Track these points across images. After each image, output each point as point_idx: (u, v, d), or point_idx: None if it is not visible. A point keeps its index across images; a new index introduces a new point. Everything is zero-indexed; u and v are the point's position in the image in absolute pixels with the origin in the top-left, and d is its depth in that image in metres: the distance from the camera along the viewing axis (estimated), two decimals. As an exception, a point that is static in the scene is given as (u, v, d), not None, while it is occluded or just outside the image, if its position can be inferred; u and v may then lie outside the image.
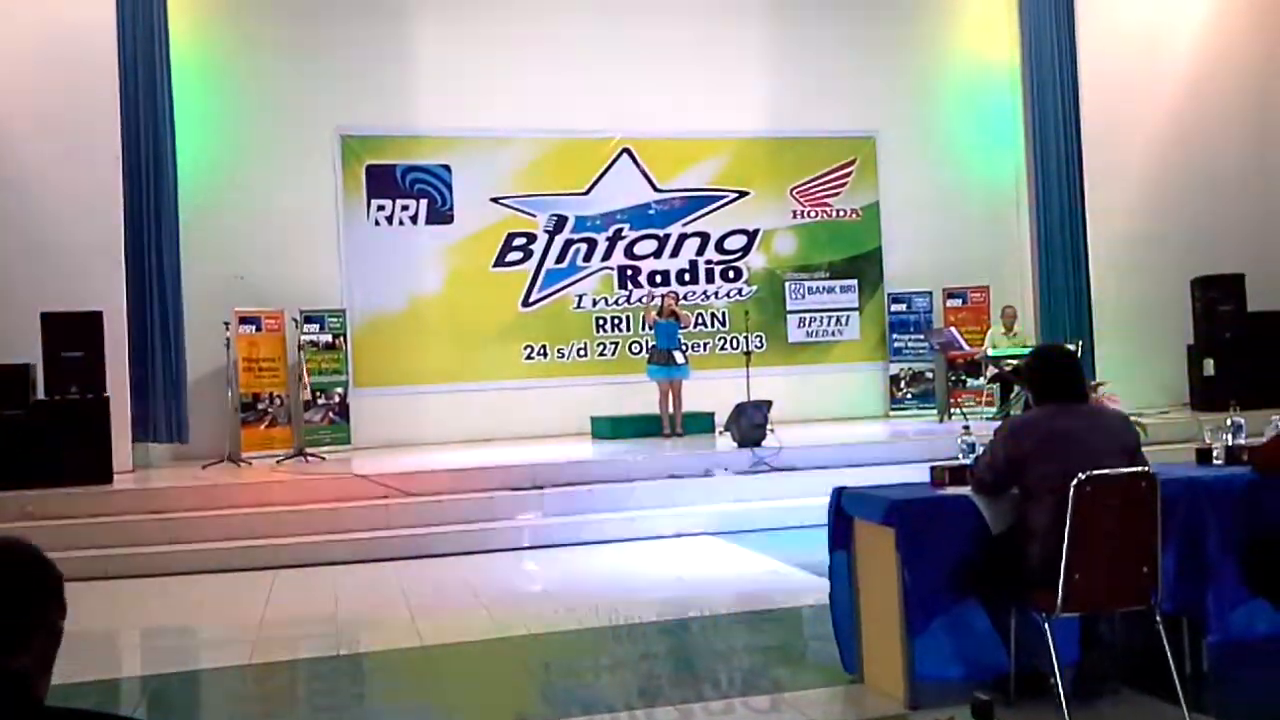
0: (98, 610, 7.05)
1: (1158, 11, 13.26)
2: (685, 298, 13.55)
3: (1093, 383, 11.51)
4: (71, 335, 9.91)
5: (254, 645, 6.09)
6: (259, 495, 9.37)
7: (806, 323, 14.36)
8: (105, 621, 6.90)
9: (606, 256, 13.85)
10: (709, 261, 14.15)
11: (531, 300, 13.63)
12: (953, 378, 13.42)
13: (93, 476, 9.52)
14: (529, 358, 13.53)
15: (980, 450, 4.47)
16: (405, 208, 13.27)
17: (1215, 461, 4.88)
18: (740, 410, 10.77)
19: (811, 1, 14.20)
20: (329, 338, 12.54)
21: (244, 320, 11.98)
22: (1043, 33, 13.69)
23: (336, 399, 12.55)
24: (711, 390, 12.49)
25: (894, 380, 14.29)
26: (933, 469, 4.74)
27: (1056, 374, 4.29)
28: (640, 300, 13.59)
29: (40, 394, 9.89)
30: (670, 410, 12.14)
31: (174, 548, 8.52)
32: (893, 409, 14.19)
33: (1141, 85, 13.17)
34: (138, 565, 8.22)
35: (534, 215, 13.65)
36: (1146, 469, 4.04)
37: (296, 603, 7.21)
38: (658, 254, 14.00)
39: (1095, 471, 3.87)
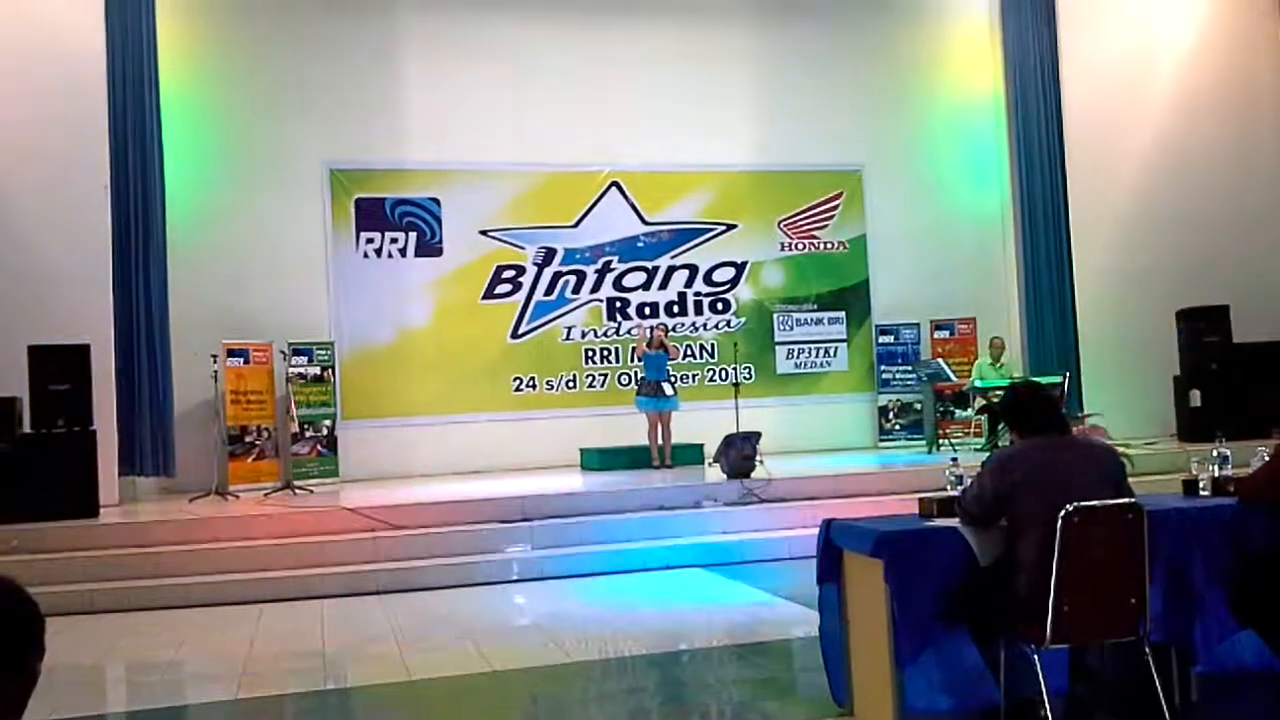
0: (83, 645, 7.00)
1: (1140, 47, 13.43)
2: (674, 329, 13.58)
3: (1080, 414, 11.58)
4: (58, 368, 9.87)
5: (240, 680, 6.04)
6: (246, 529, 9.32)
7: (795, 354, 14.40)
8: (90, 656, 6.85)
9: (595, 289, 13.89)
10: (697, 293, 14.21)
11: (521, 332, 13.65)
12: (941, 409, 13.45)
13: (79, 510, 9.46)
14: (518, 390, 13.53)
15: (968, 482, 4.48)
16: (394, 240, 13.30)
17: (1202, 493, 4.89)
18: (729, 442, 10.77)
19: (798, 36, 14.35)
20: (317, 370, 12.52)
21: (232, 353, 11.96)
22: (1026, 68, 13.84)
23: (324, 431, 12.51)
24: (701, 422, 12.51)
25: (882, 411, 14.33)
26: (921, 501, 4.75)
27: (1032, 409, 4.31)
28: (630, 332, 13.64)
29: (26, 427, 9.84)
30: (659, 442, 12.14)
31: (160, 582, 8.46)
32: (881, 440, 14.21)
33: (1125, 118, 13.31)
34: (124, 599, 8.16)
35: (523, 248, 13.69)
36: (1133, 500, 4.06)
37: (283, 637, 7.16)
38: (646, 286, 14.05)
39: (1082, 503, 3.89)
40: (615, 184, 13.97)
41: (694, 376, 13.88)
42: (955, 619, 4.30)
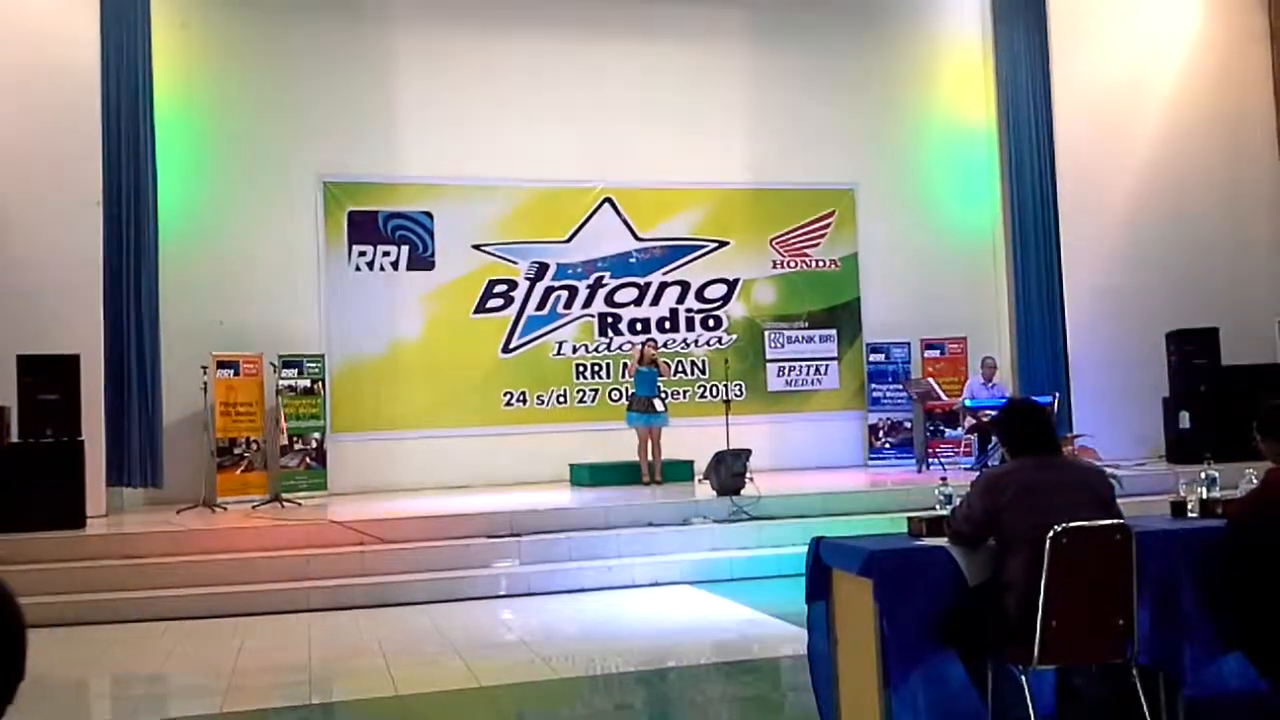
0: (68, 657, 6.97)
1: (1131, 69, 13.51)
2: (665, 346, 13.58)
3: (1068, 434, 11.60)
4: (48, 378, 9.86)
5: (225, 694, 6.01)
6: (233, 541, 9.27)
7: (785, 372, 14.42)
8: (75, 669, 6.81)
9: (587, 304, 13.89)
10: (689, 310, 14.21)
11: (512, 347, 13.64)
12: (931, 428, 13.47)
13: (66, 520, 9.44)
14: (508, 404, 13.52)
15: (957, 501, 4.48)
16: (387, 254, 13.29)
17: (1190, 514, 4.90)
18: (719, 459, 10.77)
19: (792, 55, 14.41)
20: (307, 383, 12.49)
21: (222, 364, 11.92)
22: (1018, 88, 13.92)
23: (314, 444, 12.47)
24: (691, 438, 12.48)
25: (872, 430, 14.34)
26: (910, 520, 4.75)
27: (1029, 427, 4.32)
28: (621, 348, 13.64)
29: (15, 437, 9.81)
30: (649, 458, 12.13)
31: (146, 594, 8.41)
32: (871, 458, 14.21)
33: (1116, 141, 13.38)
34: (110, 611, 8.12)
35: (515, 262, 13.70)
36: (1122, 521, 4.06)
37: (269, 650, 7.13)
38: (638, 302, 14.05)
39: (1071, 524, 3.89)
40: (608, 200, 13.99)
41: (685, 393, 13.88)
42: (944, 639, 4.30)
